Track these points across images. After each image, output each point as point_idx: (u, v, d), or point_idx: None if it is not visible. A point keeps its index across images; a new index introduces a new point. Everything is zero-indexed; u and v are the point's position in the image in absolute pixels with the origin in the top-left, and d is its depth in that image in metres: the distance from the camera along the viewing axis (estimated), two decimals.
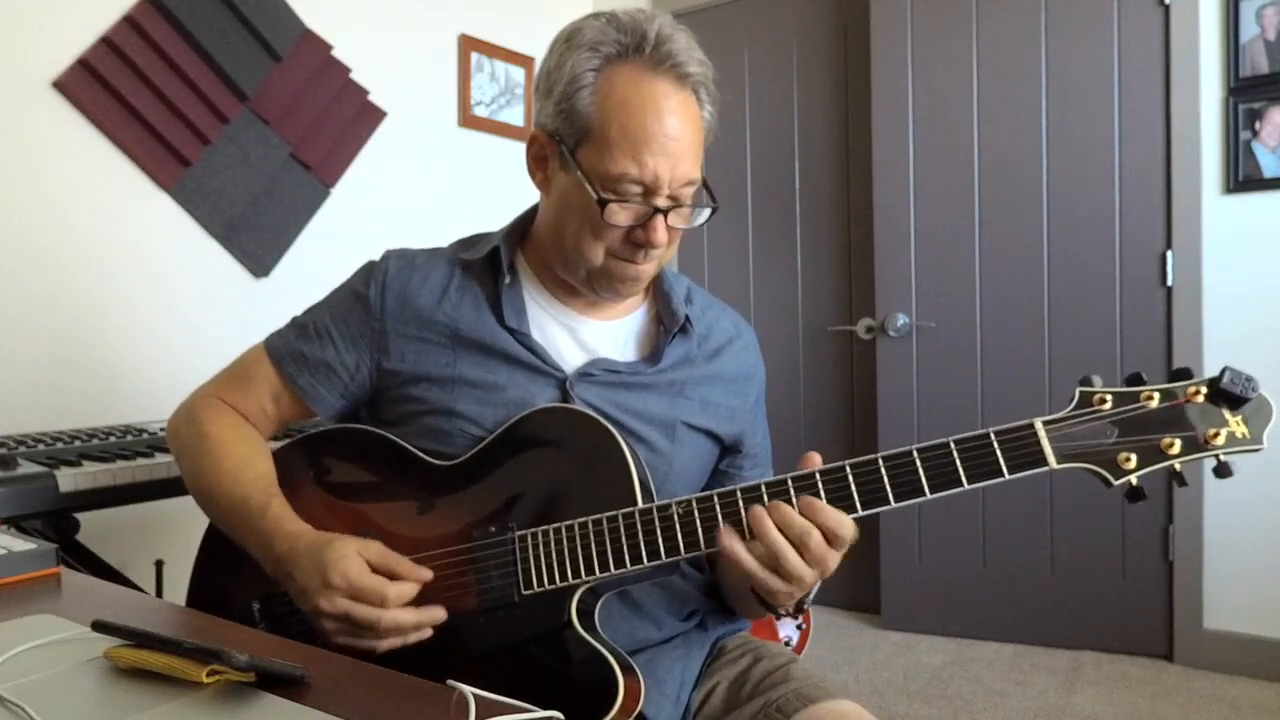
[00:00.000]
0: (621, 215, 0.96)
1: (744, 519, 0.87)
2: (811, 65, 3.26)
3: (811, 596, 0.93)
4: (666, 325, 1.07)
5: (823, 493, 0.86)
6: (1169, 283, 2.65)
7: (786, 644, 2.54)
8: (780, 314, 3.33)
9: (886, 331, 2.98)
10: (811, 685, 0.98)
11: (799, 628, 2.57)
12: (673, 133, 0.93)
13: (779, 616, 0.98)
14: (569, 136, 0.96)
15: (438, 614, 0.89)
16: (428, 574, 0.90)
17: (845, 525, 0.85)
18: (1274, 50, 2.48)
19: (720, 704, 1.03)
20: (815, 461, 0.89)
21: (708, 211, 1.01)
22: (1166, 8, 2.61)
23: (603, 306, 1.07)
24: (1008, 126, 2.83)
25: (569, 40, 0.97)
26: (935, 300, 2.94)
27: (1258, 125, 2.50)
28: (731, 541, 0.86)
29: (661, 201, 0.95)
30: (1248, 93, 2.51)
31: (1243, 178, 2.53)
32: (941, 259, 2.93)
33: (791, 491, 0.86)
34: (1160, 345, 2.66)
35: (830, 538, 0.84)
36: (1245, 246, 2.56)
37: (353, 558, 0.87)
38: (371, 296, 1.05)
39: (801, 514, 0.84)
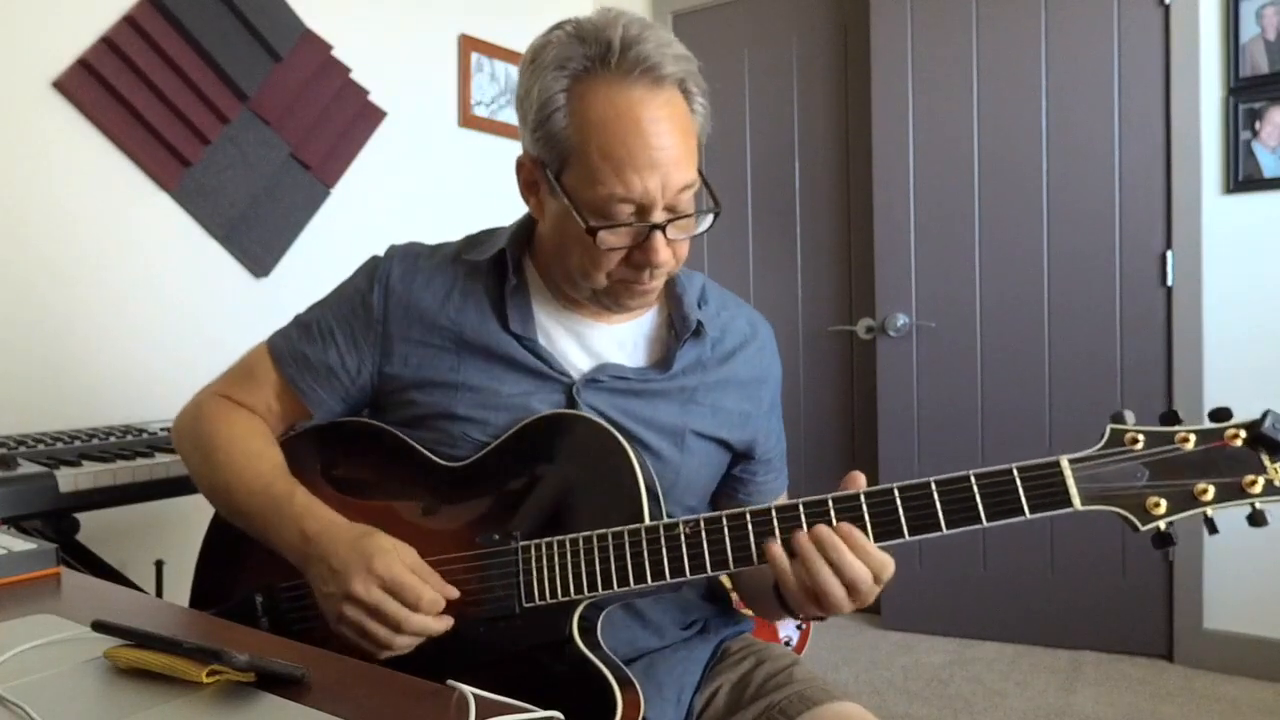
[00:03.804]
0: (615, 240, 0.91)
1: (778, 538, 0.86)
2: (811, 65, 3.26)
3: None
4: (678, 330, 1.03)
5: (834, 522, 0.85)
6: (1169, 283, 2.65)
7: (786, 644, 2.54)
8: (780, 314, 3.33)
9: (886, 331, 2.98)
10: (814, 687, 0.98)
11: (799, 628, 2.57)
12: (657, 143, 0.87)
13: (800, 620, 0.98)
14: (552, 163, 0.92)
15: (447, 622, 0.88)
16: (454, 591, 0.89)
17: (888, 567, 0.84)
18: (1274, 50, 2.48)
19: (723, 706, 1.02)
20: (859, 482, 0.86)
21: (710, 217, 0.95)
22: (1166, 8, 2.61)
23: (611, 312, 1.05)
24: (1008, 126, 2.83)
25: (534, 61, 0.91)
26: (935, 300, 2.94)
27: (1258, 125, 2.50)
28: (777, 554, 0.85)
29: (658, 216, 0.90)
30: (1248, 93, 2.51)
31: (1243, 178, 2.53)
32: (941, 259, 2.93)
33: (802, 518, 0.85)
34: (1160, 345, 2.66)
35: (876, 580, 0.84)
36: (1245, 246, 2.56)
37: (394, 554, 0.87)
38: (374, 299, 1.04)
39: (855, 554, 0.83)
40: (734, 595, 1.18)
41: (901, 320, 2.96)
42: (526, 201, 1.01)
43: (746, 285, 3.40)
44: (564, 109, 0.89)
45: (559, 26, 0.92)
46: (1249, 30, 2.50)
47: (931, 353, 2.95)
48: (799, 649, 2.57)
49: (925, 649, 2.85)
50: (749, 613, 1.20)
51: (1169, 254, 2.64)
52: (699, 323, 1.03)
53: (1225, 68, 2.55)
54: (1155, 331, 2.67)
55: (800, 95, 3.28)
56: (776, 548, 0.84)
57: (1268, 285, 2.53)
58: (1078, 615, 2.79)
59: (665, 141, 0.88)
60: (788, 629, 2.55)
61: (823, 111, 3.24)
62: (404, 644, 0.87)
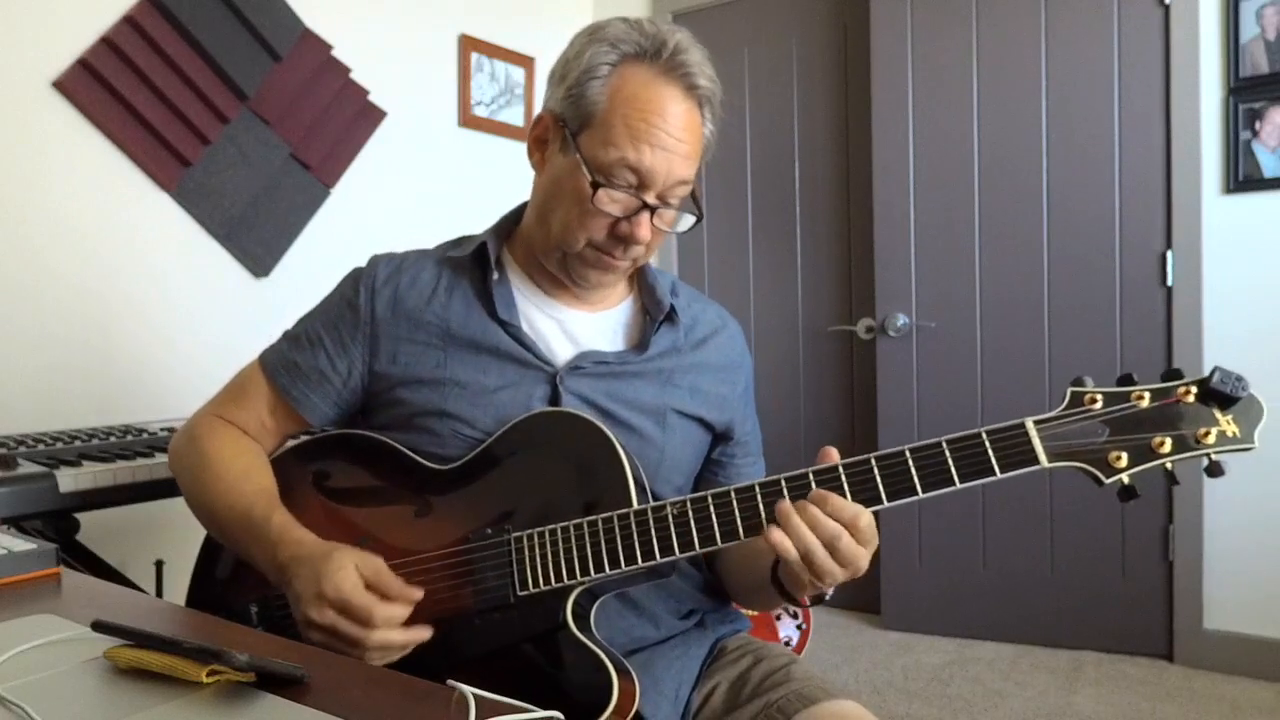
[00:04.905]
0: (610, 203, 0.98)
1: (762, 515, 0.86)
2: (811, 65, 3.26)
3: (830, 591, 0.92)
4: (652, 314, 1.09)
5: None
6: (1169, 283, 2.65)
7: (786, 644, 2.54)
8: (780, 314, 3.33)
9: (886, 331, 2.98)
10: (812, 686, 0.98)
11: (799, 628, 2.57)
12: (673, 132, 0.97)
13: (800, 607, 0.97)
14: (573, 121, 0.99)
15: (424, 633, 0.88)
16: (418, 594, 0.89)
17: (862, 516, 0.83)
18: (1274, 50, 2.48)
19: (720, 705, 1.03)
20: (832, 456, 0.88)
21: (691, 220, 1.05)
22: (1166, 8, 2.61)
23: (589, 299, 1.09)
24: (1008, 126, 2.83)
25: (592, 35, 1.01)
26: (935, 300, 2.94)
27: (1258, 125, 2.50)
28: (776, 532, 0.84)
29: (651, 198, 0.98)
30: (1248, 93, 2.51)
31: (1243, 178, 2.53)
32: (941, 259, 2.93)
33: (785, 491, 0.86)
34: (1160, 345, 2.66)
35: (853, 533, 0.83)
36: (1245, 246, 2.56)
37: (349, 570, 0.86)
38: (361, 301, 1.07)
39: (826, 514, 0.83)
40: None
41: (901, 320, 2.96)
42: (530, 155, 1.07)
43: (746, 285, 3.40)
44: (604, 79, 0.98)
45: (622, 19, 1.02)
46: (1249, 30, 2.50)
47: (931, 353, 2.95)
48: (799, 649, 2.57)
49: (925, 649, 2.85)
50: (747, 612, 1.20)
51: (1169, 254, 2.64)
52: (672, 308, 1.09)
53: (1225, 68, 2.55)
54: (1155, 331, 2.67)
55: (800, 95, 3.28)
56: (776, 531, 0.84)
57: (1268, 285, 2.53)
58: (1078, 615, 2.79)
59: (679, 135, 0.98)
60: (788, 629, 2.55)
61: (823, 111, 3.24)
62: (377, 658, 0.87)
